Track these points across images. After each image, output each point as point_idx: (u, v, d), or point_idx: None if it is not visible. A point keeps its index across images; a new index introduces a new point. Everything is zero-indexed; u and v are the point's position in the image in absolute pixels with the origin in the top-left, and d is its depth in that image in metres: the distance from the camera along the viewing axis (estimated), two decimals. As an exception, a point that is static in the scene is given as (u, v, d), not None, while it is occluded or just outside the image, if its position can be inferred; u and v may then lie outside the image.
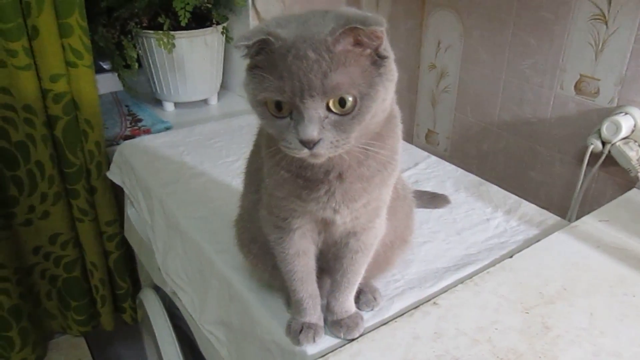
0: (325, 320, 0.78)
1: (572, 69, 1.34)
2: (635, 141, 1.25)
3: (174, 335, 1.27)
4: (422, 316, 0.79)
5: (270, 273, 0.81)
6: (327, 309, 0.78)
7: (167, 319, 1.31)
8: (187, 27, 1.47)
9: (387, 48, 0.58)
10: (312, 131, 0.54)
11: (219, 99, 1.76)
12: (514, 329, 0.76)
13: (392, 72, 0.58)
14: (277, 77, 0.54)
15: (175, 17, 1.45)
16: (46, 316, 1.56)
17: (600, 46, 1.26)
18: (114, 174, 1.39)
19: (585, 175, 1.34)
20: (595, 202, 1.35)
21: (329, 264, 0.78)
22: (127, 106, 1.69)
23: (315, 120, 0.54)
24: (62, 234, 1.43)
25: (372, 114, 0.57)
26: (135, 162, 1.28)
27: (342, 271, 0.76)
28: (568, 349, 0.73)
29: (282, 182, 0.67)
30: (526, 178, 1.53)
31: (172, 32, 1.47)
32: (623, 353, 0.73)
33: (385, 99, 0.59)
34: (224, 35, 1.60)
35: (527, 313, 0.79)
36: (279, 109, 0.56)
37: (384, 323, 0.78)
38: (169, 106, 1.70)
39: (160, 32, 1.47)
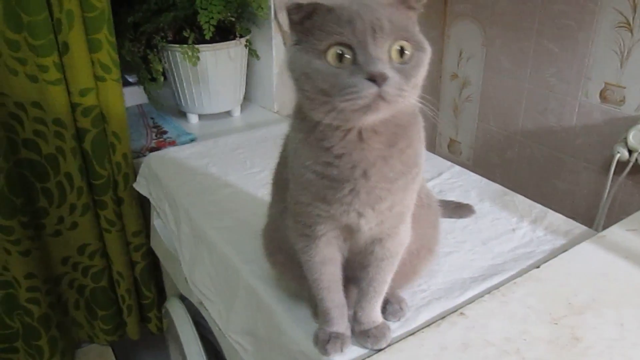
0: (352, 330, 0.78)
1: (596, 77, 1.33)
2: (663, 149, 1.23)
3: (200, 344, 1.28)
4: (449, 327, 0.79)
5: (297, 282, 0.82)
6: (354, 318, 0.78)
7: (194, 328, 1.32)
8: (211, 41, 1.50)
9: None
10: (383, 66, 0.56)
11: (242, 110, 1.78)
12: (542, 339, 0.76)
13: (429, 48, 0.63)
14: (344, 22, 0.57)
15: (200, 31, 1.48)
16: (74, 325, 1.59)
17: (625, 54, 1.25)
18: (141, 185, 1.41)
19: (611, 184, 1.32)
20: (622, 212, 1.33)
21: (356, 273, 0.78)
22: (152, 118, 1.73)
23: (384, 58, 0.57)
24: (90, 245, 1.46)
25: (423, 71, 0.61)
26: (162, 174, 1.31)
27: (368, 279, 0.76)
28: (599, 361, 0.72)
29: (308, 184, 0.67)
30: (551, 187, 1.52)
31: (196, 46, 1.50)
32: (656, 365, 0.72)
33: (425, 70, 0.62)
34: (247, 47, 1.62)
35: (556, 324, 0.78)
36: (340, 60, 0.57)
37: (411, 333, 0.78)
38: (193, 118, 1.72)
39: (185, 45, 1.50)
